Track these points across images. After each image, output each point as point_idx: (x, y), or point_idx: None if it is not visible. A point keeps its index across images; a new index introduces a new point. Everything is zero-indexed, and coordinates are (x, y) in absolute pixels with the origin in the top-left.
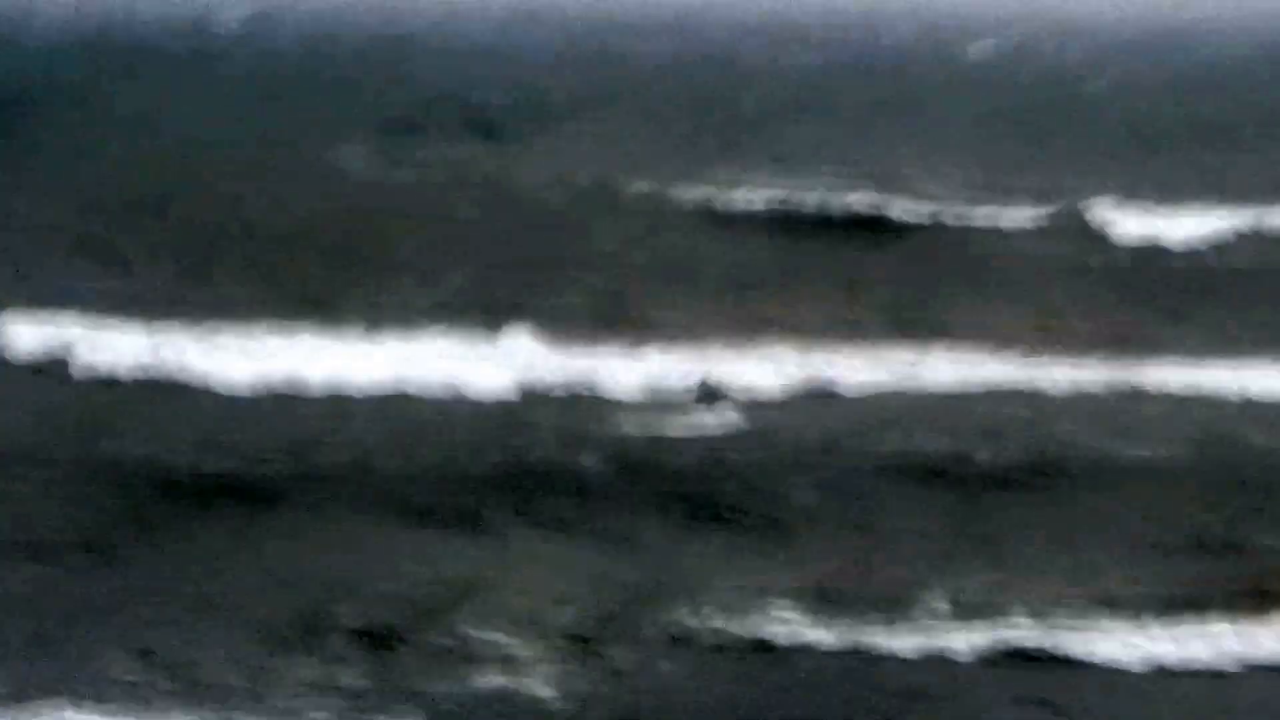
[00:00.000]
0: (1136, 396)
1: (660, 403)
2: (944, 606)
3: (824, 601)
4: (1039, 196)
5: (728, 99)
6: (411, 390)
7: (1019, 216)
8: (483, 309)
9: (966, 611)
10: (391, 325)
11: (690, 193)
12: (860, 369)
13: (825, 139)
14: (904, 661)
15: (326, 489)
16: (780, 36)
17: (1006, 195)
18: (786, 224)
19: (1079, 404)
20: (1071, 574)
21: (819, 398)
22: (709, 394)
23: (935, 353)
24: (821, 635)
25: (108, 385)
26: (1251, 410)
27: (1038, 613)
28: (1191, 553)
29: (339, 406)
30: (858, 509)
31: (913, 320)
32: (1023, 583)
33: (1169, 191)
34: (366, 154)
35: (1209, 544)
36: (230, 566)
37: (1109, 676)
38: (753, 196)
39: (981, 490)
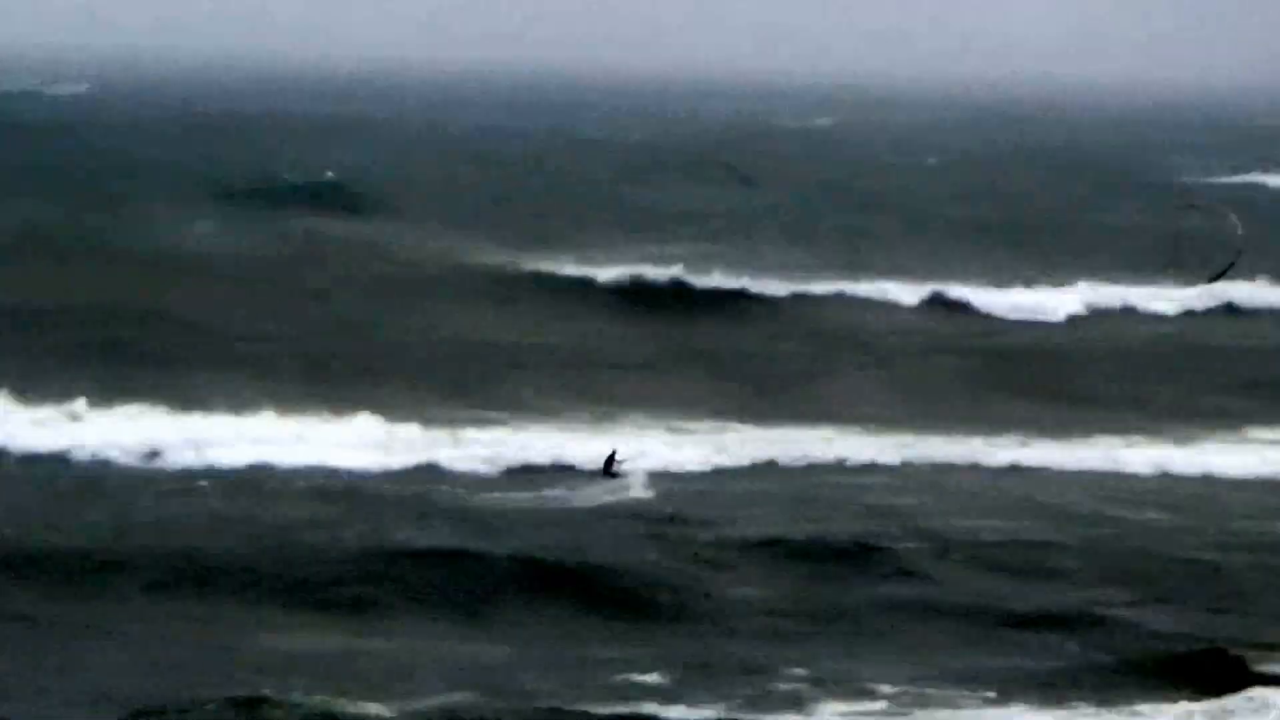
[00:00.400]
0: (995, 472)
1: (517, 478)
2: (804, 680)
3: (688, 675)
4: (890, 272)
5: (578, 173)
6: (265, 468)
7: (869, 291)
8: (335, 385)
9: (827, 685)
10: (244, 401)
11: (545, 266)
12: (722, 446)
13: (675, 213)
14: None
15: (176, 566)
16: (624, 112)
17: (856, 270)
18: (640, 299)
19: (940, 480)
20: (932, 648)
21: (679, 474)
22: (606, 467)
23: (794, 430)
24: (686, 710)
25: None
26: (1108, 486)
27: (898, 686)
28: (1052, 629)
29: (191, 484)
30: (720, 585)
31: (771, 397)
32: (883, 657)
33: (1014, 269)
34: (212, 226)
35: (1070, 620)
36: (89, 640)
37: None
38: (608, 270)
39: (841, 567)
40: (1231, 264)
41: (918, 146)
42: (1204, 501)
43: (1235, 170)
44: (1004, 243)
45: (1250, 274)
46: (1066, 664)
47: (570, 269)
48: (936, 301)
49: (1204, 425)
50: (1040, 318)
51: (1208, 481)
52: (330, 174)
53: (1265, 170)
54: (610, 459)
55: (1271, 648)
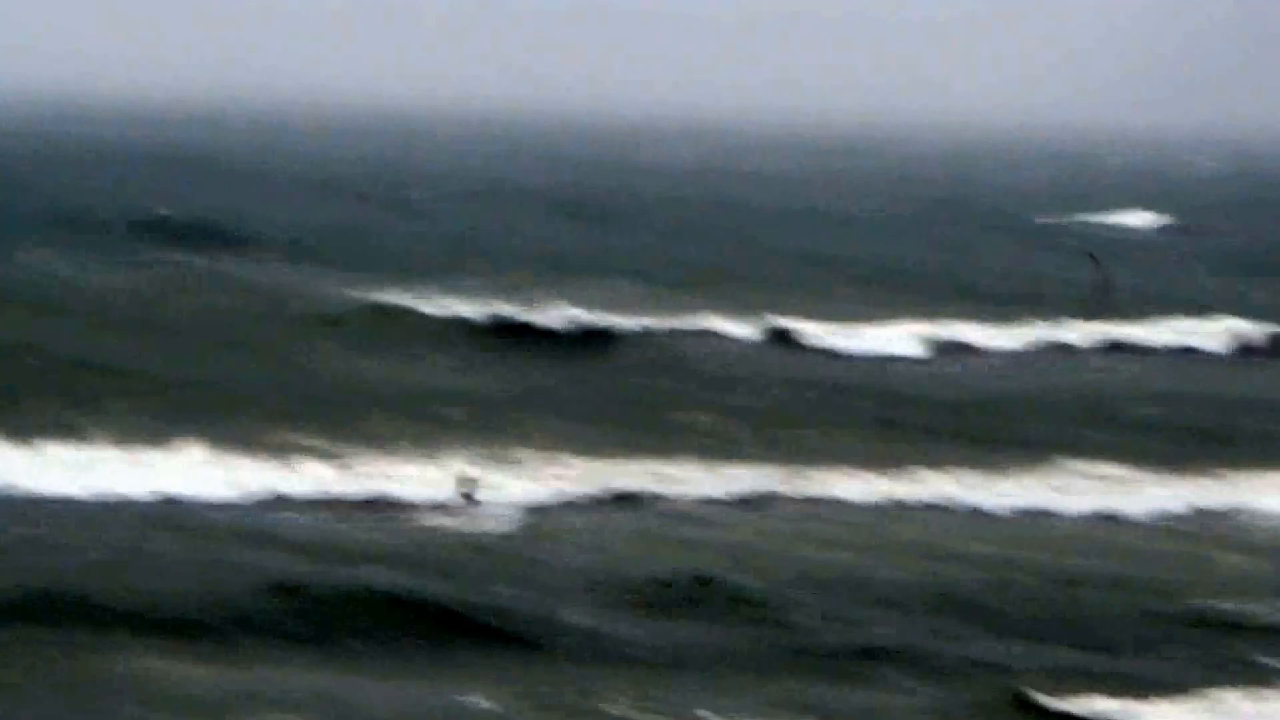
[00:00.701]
0: (830, 505)
1: (357, 508)
2: (633, 709)
3: (519, 703)
4: (730, 307)
5: (419, 206)
6: (101, 497)
7: (709, 326)
8: (171, 414)
9: (654, 714)
10: (78, 430)
11: (383, 299)
12: (564, 478)
13: (513, 247)
14: None
15: (9, 596)
16: (457, 140)
17: (697, 306)
18: (479, 332)
19: (776, 513)
20: (764, 680)
21: (522, 505)
22: (460, 493)
23: (634, 464)
24: None
25: None
26: (940, 520)
27: (726, 716)
28: (885, 662)
29: (24, 514)
30: (560, 615)
31: (611, 431)
32: (715, 688)
33: (856, 305)
34: (47, 257)
35: (904, 654)
36: None
37: None
38: (447, 303)
39: (678, 599)
40: (1107, 295)
41: (775, 184)
42: (1033, 536)
43: (1087, 209)
44: (847, 279)
45: (1087, 313)
46: (901, 699)
47: (409, 301)
48: (775, 337)
49: (1033, 461)
50: (879, 353)
51: (1036, 515)
52: (164, 209)
53: (1113, 209)
54: (465, 484)
55: (1100, 681)
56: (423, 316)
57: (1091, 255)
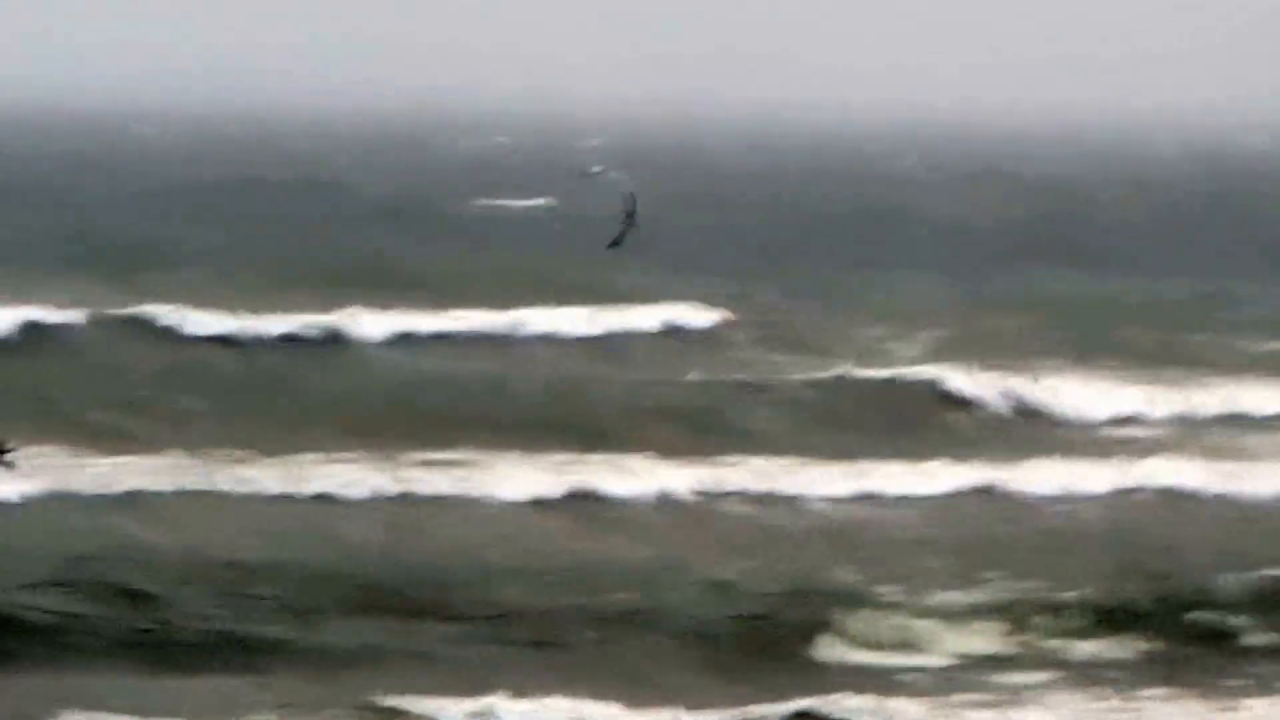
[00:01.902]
0: (227, 499)
1: None
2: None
3: None
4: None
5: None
6: None
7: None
8: None
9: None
10: None
11: None
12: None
13: None
14: None
15: None
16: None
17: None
18: None
19: (176, 505)
20: (157, 675)
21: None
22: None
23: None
24: None
25: None
26: (325, 511)
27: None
28: (252, 655)
29: None
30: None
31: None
32: (124, 684)
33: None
34: None
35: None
36: None
37: None
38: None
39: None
40: (624, 232)
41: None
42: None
43: (475, 194)
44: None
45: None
46: (255, 692)
47: None
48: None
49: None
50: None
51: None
52: None
53: (500, 194)
54: None
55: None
56: None
57: (631, 195)
